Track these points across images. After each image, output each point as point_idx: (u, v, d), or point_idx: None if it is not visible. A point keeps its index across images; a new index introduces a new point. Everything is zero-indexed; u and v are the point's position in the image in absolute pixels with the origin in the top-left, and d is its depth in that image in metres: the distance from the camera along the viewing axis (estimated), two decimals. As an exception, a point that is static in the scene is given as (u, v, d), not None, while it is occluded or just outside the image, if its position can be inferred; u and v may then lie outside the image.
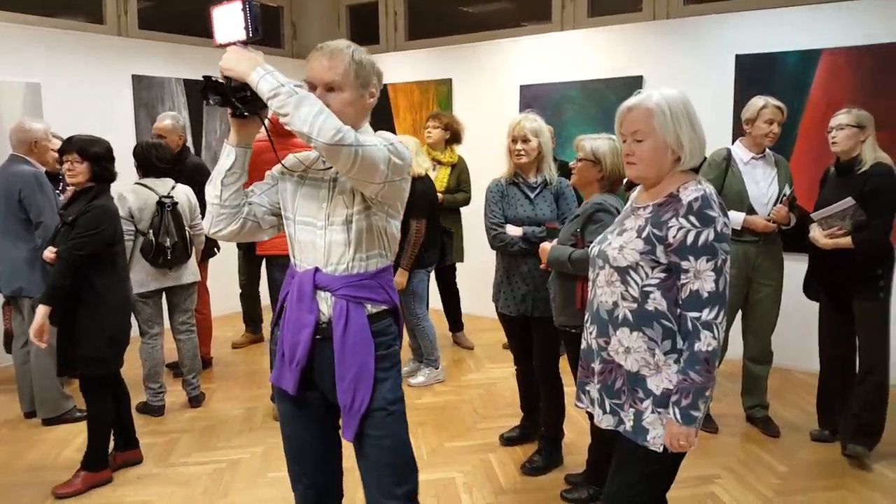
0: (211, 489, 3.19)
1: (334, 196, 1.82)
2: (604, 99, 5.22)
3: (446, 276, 5.34)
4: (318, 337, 1.85)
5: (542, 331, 3.17)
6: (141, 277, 3.89)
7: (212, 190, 1.86)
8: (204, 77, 1.71)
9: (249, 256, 5.25)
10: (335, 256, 1.82)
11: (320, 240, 1.83)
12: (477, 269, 5.95)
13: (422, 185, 4.21)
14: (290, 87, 1.59)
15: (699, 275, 1.74)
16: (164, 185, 3.99)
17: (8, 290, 3.77)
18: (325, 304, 1.84)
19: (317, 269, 1.84)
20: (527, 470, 3.28)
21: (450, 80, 6.24)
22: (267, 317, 5.58)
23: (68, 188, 3.65)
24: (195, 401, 4.23)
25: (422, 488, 3.11)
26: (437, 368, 4.56)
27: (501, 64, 5.90)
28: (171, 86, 5.94)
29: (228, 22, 1.72)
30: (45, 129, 3.89)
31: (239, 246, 5.28)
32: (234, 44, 1.70)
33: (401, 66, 6.57)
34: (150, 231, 3.84)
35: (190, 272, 4.11)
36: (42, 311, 2.93)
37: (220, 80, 1.69)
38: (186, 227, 4.01)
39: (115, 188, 3.92)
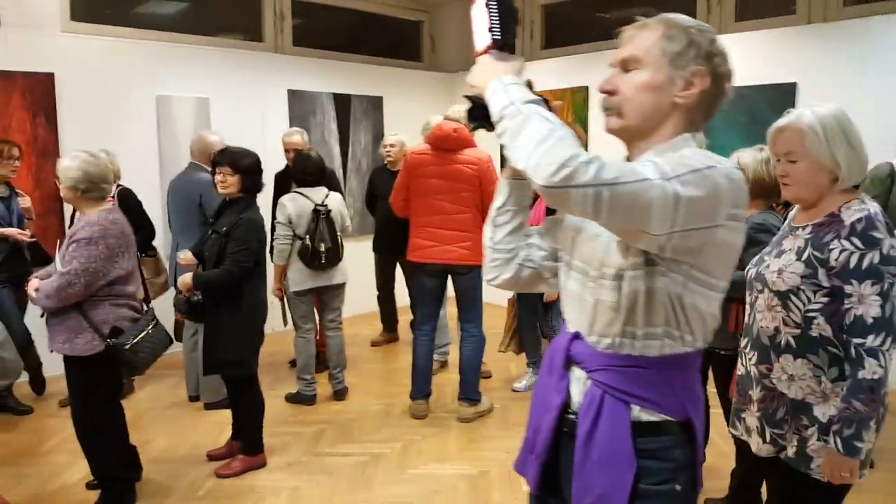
0: (354, 481, 3.38)
1: (612, 237, 1.28)
2: (753, 106, 4.99)
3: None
4: (564, 430, 1.39)
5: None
6: (298, 277, 4.19)
7: (486, 230, 1.52)
8: (466, 97, 1.38)
9: (385, 258, 5.49)
10: (602, 322, 1.31)
11: (589, 295, 1.34)
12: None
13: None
14: (517, 107, 1.17)
15: (863, 299, 1.67)
16: (318, 193, 4.27)
17: (181, 285, 4.18)
18: (578, 386, 1.37)
19: (576, 335, 1.38)
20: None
21: (586, 87, 6.20)
22: (403, 317, 5.80)
23: None
24: (340, 394, 4.49)
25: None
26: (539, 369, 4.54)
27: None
28: (321, 99, 6.32)
29: (480, 25, 1.36)
30: (221, 141, 4.27)
31: (374, 248, 5.52)
32: (487, 51, 1.34)
33: (536, 75, 6.58)
34: (307, 236, 4.13)
35: (340, 273, 4.37)
36: (188, 278, 3.22)
37: (478, 99, 1.34)
38: (338, 233, 4.28)
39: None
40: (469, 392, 4.10)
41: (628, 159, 1.35)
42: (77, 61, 4.93)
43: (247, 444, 3.46)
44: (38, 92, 4.74)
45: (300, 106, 6.17)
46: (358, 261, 5.66)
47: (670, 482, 1.29)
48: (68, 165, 2.85)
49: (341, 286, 4.42)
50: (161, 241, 4.78)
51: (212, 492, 3.26)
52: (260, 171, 3.40)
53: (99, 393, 2.96)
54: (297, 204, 4.18)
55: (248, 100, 5.86)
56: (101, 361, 2.87)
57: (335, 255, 4.24)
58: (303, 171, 4.26)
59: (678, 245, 1.17)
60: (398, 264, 5.52)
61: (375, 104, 6.75)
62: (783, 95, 4.81)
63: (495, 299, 5.23)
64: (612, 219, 1.13)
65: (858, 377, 1.67)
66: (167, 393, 4.58)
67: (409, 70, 7.24)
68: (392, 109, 6.89)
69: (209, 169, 4.18)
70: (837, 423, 1.69)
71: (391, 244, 5.29)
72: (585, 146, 5.45)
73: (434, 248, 3.95)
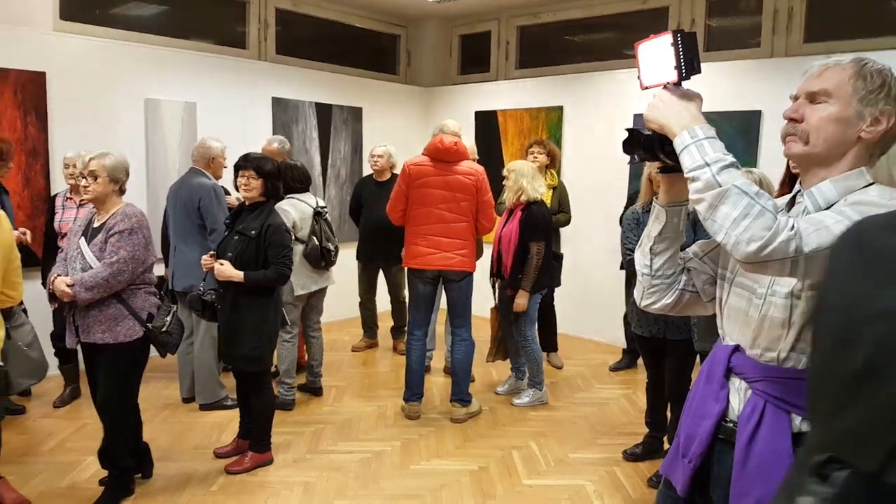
0: (361, 475, 3.52)
1: None
2: (719, 131, 5.36)
3: (545, 296, 5.40)
4: (720, 437, 1.46)
5: (675, 353, 3.37)
6: (304, 281, 4.33)
7: (640, 258, 1.57)
8: (628, 130, 1.45)
9: (368, 266, 5.64)
10: (766, 338, 1.39)
11: (755, 311, 1.41)
12: (577, 292, 6.19)
13: (539, 208, 4.44)
14: (713, 174, 1.23)
15: None
16: (311, 198, 4.44)
17: (180, 286, 4.22)
18: (738, 396, 1.44)
19: (737, 348, 1.45)
20: (653, 484, 3.45)
21: (560, 107, 6.52)
22: (382, 323, 5.97)
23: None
24: (318, 391, 4.69)
25: (554, 492, 3.40)
26: (541, 390, 4.69)
27: (617, 93, 6.09)
28: (304, 108, 6.43)
29: (656, 60, 1.39)
30: (222, 148, 4.37)
31: (358, 256, 5.66)
32: (665, 86, 1.38)
33: (512, 94, 6.91)
34: (313, 237, 4.31)
35: (333, 275, 4.58)
36: (237, 274, 3.30)
37: (647, 133, 1.40)
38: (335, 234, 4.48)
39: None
40: (461, 393, 4.30)
41: (800, 184, 1.43)
42: (68, 61, 4.92)
43: (256, 442, 3.56)
44: (30, 90, 4.71)
45: (283, 114, 6.28)
46: (337, 268, 5.79)
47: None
48: (115, 160, 3.04)
49: (326, 289, 4.61)
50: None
51: (225, 487, 3.35)
52: (280, 177, 3.56)
53: (134, 379, 3.08)
54: (298, 209, 4.32)
55: (234, 106, 5.93)
56: (137, 347, 3.00)
57: (337, 255, 4.44)
58: (292, 178, 4.42)
59: None
60: (381, 272, 5.69)
61: (355, 115, 6.90)
62: (749, 122, 5.23)
63: (475, 309, 5.45)
64: (806, 277, 1.24)
65: None
66: (158, 395, 4.60)
67: (387, 83, 7.42)
68: (371, 120, 7.05)
69: (207, 174, 4.32)
70: None
71: (375, 253, 5.47)
72: (559, 164, 5.74)
73: (435, 255, 4.14)
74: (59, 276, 2.98)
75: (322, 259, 4.34)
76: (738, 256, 1.21)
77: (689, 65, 1.34)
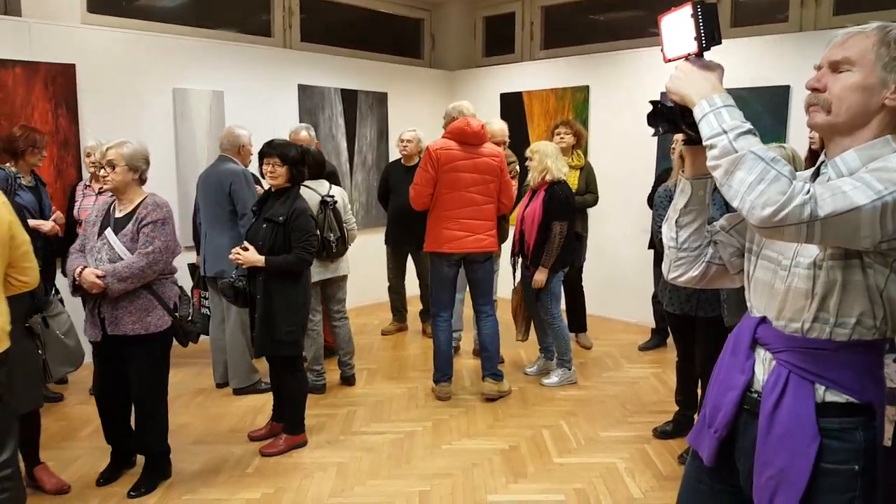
0: (394, 455, 3.57)
1: None
2: (748, 108, 5.28)
3: (572, 277, 5.36)
4: (745, 407, 1.47)
5: (706, 330, 3.34)
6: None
7: (667, 231, 1.59)
8: (652, 102, 1.46)
9: (397, 250, 5.67)
10: (791, 309, 1.39)
11: (780, 283, 1.41)
12: (605, 272, 6.16)
13: (561, 188, 4.42)
14: (729, 140, 1.24)
15: None
16: (321, 186, 4.39)
17: (211, 272, 4.28)
18: (762, 367, 1.45)
19: (763, 320, 1.46)
20: (684, 460, 3.43)
21: (586, 87, 6.45)
22: (412, 307, 6.02)
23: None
24: (350, 380, 4.66)
25: (585, 469, 3.40)
26: (570, 370, 4.68)
27: (643, 72, 6.01)
28: (329, 95, 6.45)
29: (678, 32, 1.41)
30: (249, 136, 4.41)
31: (386, 241, 5.69)
32: (686, 58, 1.39)
33: (537, 74, 6.86)
34: (316, 227, 4.26)
35: (345, 265, 4.52)
36: (259, 259, 3.32)
37: (669, 105, 1.42)
38: (343, 224, 4.42)
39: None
40: (493, 368, 4.34)
41: (825, 155, 1.42)
42: (97, 53, 4.99)
43: (290, 424, 3.62)
44: (60, 83, 4.80)
45: (309, 101, 6.30)
46: (365, 253, 5.84)
47: (850, 462, 1.34)
48: (133, 149, 3.04)
49: (344, 278, 4.57)
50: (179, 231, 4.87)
51: (260, 469, 3.42)
52: (305, 163, 3.57)
53: (165, 369, 3.14)
54: (306, 195, 4.29)
55: (261, 94, 5.97)
56: (164, 336, 3.04)
57: (342, 246, 4.37)
58: (307, 164, 4.40)
59: (886, 249, 1.25)
60: (409, 256, 5.72)
61: (380, 100, 6.91)
62: (777, 98, 5.12)
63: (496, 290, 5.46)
64: (823, 243, 1.25)
65: None
66: (192, 380, 4.68)
67: (412, 67, 7.41)
68: (396, 105, 7.06)
69: (236, 161, 4.36)
70: None
71: (403, 237, 5.48)
72: (586, 144, 5.71)
73: (468, 238, 4.16)
74: (85, 267, 2.95)
75: (323, 249, 4.22)
76: (753, 221, 1.21)
77: (709, 36, 1.35)
